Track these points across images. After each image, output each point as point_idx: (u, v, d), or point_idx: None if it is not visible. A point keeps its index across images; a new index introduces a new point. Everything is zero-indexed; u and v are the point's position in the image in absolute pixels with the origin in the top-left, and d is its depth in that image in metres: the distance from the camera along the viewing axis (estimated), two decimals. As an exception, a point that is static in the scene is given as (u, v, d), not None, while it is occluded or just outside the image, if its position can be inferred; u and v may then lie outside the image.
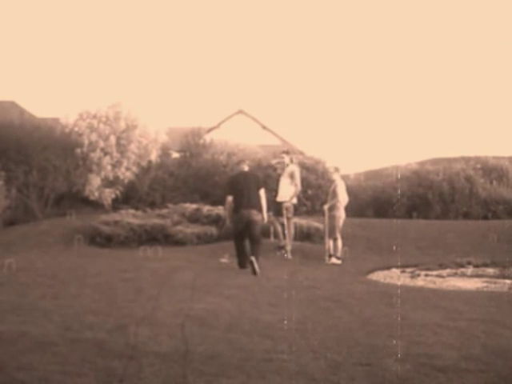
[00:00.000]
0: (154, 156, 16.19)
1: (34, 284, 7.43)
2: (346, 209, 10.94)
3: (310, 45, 50.66)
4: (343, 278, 8.39)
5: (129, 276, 8.04)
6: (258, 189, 9.33)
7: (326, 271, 9.24)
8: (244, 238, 9.22)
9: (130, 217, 13.08)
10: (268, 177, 14.21)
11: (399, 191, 15.93)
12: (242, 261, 9.12)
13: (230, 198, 9.34)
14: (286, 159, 11.16)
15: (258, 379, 3.81)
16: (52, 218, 14.06)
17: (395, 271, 9.46)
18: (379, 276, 9.04)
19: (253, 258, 8.73)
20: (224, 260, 10.34)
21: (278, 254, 10.69)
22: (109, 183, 15.37)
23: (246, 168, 9.79)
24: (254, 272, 8.58)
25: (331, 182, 11.17)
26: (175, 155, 17.87)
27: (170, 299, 6.46)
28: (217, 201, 14.52)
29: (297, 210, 12.37)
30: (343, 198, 10.78)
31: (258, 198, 9.26)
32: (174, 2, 48.09)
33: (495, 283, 8.18)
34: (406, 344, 4.63)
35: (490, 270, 9.43)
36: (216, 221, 12.98)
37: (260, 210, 9.24)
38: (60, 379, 3.76)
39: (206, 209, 13.42)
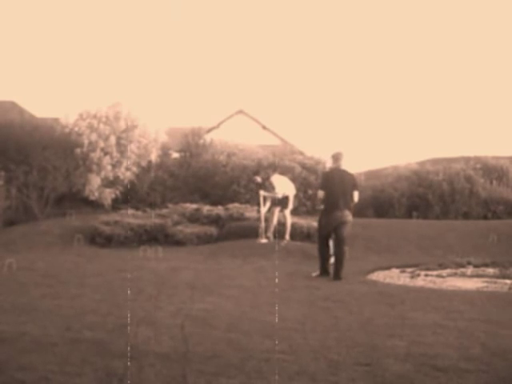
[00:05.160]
0: (154, 156, 16.20)
1: (33, 284, 7.43)
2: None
3: (310, 45, 50.66)
4: (343, 278, 8.38)
5: (129, 276, 8.03)
6: (354, 190, 8.78)
7: (325, 271, 9.22)
8: (328, 242, 8.99)
9: (130, 217, 13.09)
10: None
11: (399, 191, 15.94)
12: (326, 266, 8.81)
13: (321, 194, 8.83)
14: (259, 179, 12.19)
15: (258, 379, 3.81)
16: (52, 217, 14.06)
17: (395, 271, 9.46)
18: (379, 276, 9.03)
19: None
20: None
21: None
22: (109, 183, 15.38)
23: (342, 165, 9.02)
24: (338, 276, 8.36)
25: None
26: (175, 155, 17.86)
27: (170, 299, 6.46)
28: (217, 201, 14.53)
29: (296, 210, 12.84)
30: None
31: (352, 198, 8.78)
32: (174, 2, 48.07)
33: (495, 283, 8.17)
34: (406, 344, 4.63)
35: (490, 270, 9.41)
36: (216, 221, 12.98)
37: (351, 210, 8.81)
38: (60, 379, 3.76)
39: (206, 209, 13.42)
